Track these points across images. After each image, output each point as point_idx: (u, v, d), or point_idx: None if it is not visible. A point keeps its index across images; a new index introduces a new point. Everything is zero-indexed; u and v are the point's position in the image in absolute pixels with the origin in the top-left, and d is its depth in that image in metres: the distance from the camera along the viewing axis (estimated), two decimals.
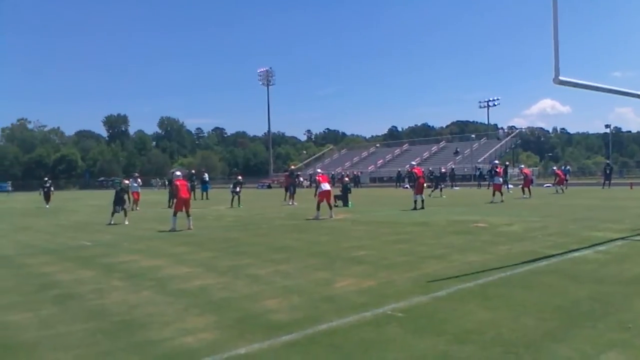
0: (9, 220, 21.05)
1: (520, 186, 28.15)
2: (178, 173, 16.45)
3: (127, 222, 17.03)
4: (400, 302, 5.90)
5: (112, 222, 17.09)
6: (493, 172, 26.89)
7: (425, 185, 21.76)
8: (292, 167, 39.16)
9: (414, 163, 24.09)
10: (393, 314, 5.45)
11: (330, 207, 17.78)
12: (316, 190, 19.01)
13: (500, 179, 24.46)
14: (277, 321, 5.33)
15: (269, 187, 61.22)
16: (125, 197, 18.44)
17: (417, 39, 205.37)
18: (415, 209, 19.10)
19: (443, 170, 45.39)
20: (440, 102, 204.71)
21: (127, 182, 20.42)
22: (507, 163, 32.38)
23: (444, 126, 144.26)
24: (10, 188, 77.02)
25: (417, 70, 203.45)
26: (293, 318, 5.43)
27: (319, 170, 21.07)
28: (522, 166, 34.15)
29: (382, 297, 6.21)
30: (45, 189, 29.58)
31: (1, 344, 4.86)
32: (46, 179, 31.73)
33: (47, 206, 28.64)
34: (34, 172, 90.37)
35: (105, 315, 5.76)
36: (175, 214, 14.62)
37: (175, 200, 15.31)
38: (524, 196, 25.62)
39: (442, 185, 32.44)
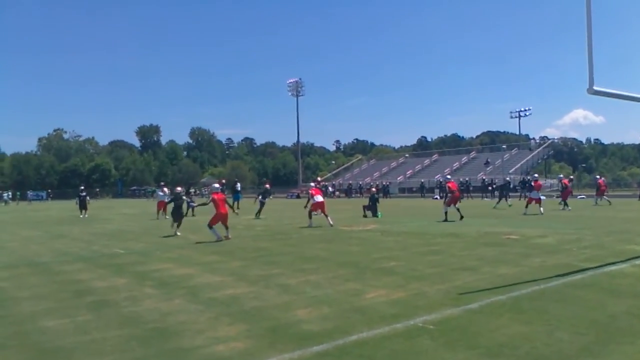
0: (45, 228, 21.58)
1: (557, 198, 27.77)
2: (216, 186, 16.34)
3: (178, 233, 16.43)
4: (431, 314, 5.85)
5: (177, 234, 16.50)
6: (529, 185, 26.63)
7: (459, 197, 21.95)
8: (319, 178, 39.31)
9: (449, 177, 23.94)
10: (424, 326, 5.40)
11: (326, 216, 18.58)
12: (307, 202, 19.20)
13: (539, 193, 23.59)
14: (308, 331, 5.34)
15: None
16: (184, 206, 17.92)
17: (447, 48, 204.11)
18: (445, 220, 18.88)
19: (507, 179, 43.87)
20: (470, 112, 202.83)
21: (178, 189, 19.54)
22: (536, 175, 31.40)
23: (474, 136, 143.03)
24: (46, 197, 79.23)
25: (447, 79, 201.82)
26: (323, 328, 5.43)
27: (312, 184, 21.68)
28: (561, 176, 32.60)
29: (413, 308, 6.17)
30: (81, 198, 29.48)
31: (39, 348, 4.99)
32: (82, 187, 31.73)
33: (83, 216, 28.28)
34: (70, 181, 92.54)
35: (139, 323, 5.86)
36: (211, 227, 14.50)
37: (214, 215, 14.70)
38: (567, 208, 25.12)
39: (508, 194, 31.39)
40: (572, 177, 37.05)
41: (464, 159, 72.98)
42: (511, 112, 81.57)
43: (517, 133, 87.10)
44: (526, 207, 23.01)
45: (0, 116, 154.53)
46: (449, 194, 20.53)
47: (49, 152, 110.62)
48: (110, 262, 10.71)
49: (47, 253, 12.56)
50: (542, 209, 22.45)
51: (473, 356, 4.49)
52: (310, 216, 18.86)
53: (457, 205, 20.16)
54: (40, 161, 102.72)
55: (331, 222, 18.21)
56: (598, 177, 34.42)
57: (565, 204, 25.77)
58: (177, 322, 5.86)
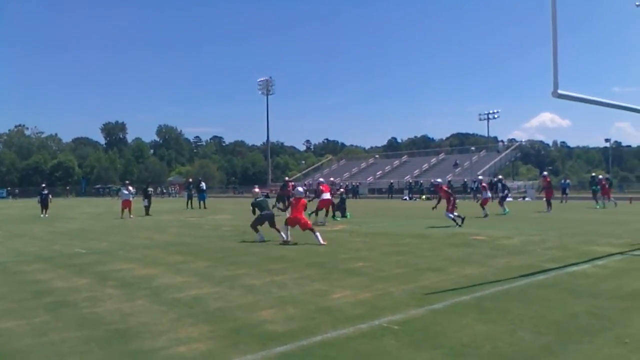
0: (4, 227, 20.95)
1: (600, 195, 28.65)
2: (300, 190, 15.54)
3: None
4: (396, 315, 5.85)
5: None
6: (479, 186, 26.36)
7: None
8: (287, 178, 39.05)
9: (439, 180, 21.98)
10: (389, 327, 5.39)
11: (326, 215, 18.44)
12: (315, 197, 19.20)
13: (488, 193, 23.72)
14: (272, 332, 5.27)
15: (267, 196, 60.95)
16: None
17: (418, 52, 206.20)
18: (460, 224, 17.24)
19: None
20: (440, 114, 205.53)
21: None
22: (500, 177, 31.34)
23: (444, 138, 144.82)
24: (6, 195, 77.10)
25: (418, 82, 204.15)
26: (288, 329, 5.37)
27: (321, 180, 20.96)
28: (545, 174, 29.62)
29: (378, 309, 6.16)
30: (43, 196, 28.59)
31: None
32: (43, 185, 30.83)
33: (44, 215, 27.43)
34: (31, 179, 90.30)
35: (99, 324, 5.70)
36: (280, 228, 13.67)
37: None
38: (609, 204, 25.67)
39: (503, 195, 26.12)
40: (605, 177, 33.76)
41: (433, 160, 73.84)
42: (480, 115, 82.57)
43: (486, 135, 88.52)
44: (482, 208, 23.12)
45: None
46: (443, 199, 18.36)
47: (9, 149, 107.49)
48: (71, 262, 10.44)
49: (5, 252, 12.18)
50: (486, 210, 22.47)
51: (437, 356, 4.50)
52: (317, 213, 18.81)
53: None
54: (0, 158, 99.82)
55: (325, 222, 18.46)
56: (600, 177, 31.96)
57: (549, 205, 25.58)
58: (138, 323, 5.72)
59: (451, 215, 17.36)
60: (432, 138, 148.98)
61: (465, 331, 5.20)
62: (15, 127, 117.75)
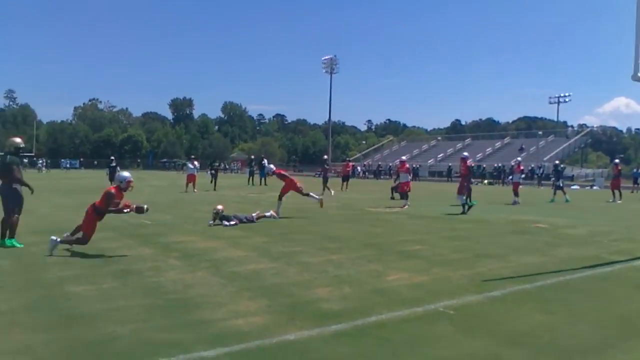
0: (77, 196, 22.05)
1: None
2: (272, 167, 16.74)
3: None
4: (452, 300, 5.81)
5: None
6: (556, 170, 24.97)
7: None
8: (347, 159, 38.98)
9: (466, 154, 19.73)
10: (445, 311, 5.37)
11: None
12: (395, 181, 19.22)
13: (521, 176, 22.42)
14: (328, 310, 5.36)
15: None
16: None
17: (486, 29, 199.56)
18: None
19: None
20: (507, 96, 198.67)
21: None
22: (557, 162, 29.56)
23: (510, 121, 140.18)
24: (79, 165, 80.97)
25: (484, 61, 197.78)
26: (343, 308, 5.45)
27: (403, 158, 19.78)
28: (617, 161, 27.82)
29: (434, 293, 6.13)
30: (111, 168, 29.28)
31: (65, 313, 5.12)
32: (112, 158, 31.62)
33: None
34: (102, 151, 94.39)
35: (162, 293, 5.97)
36: None
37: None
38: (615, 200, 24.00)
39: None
40: None
41: (498, 144, 71.88)
42: (550, 98, 79.44)
43: (555, 120, 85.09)
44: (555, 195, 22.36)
45: (38, 85, 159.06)
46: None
47: (83, 122, 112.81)
48: (137, 232, 10.92)
49: (78, 220, 12.77)
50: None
51: (493, 343, 4.45)
52: (405, 196, 18.48)
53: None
54: (74, 130, 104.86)
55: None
56: None
57: (615, 195, 24.38)
58: (199, 294, 5.95)
59: (463, 198, 16.41)
60: (498, 121, 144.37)
61: (524, 320, 5.11)
62: (89, 100, 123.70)
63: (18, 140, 9.32)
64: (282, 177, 15.52)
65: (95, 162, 79.59)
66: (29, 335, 4.47)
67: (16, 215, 8.89)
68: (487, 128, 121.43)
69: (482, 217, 15.38)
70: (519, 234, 11.73)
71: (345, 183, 30.61)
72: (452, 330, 4.77)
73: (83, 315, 5.06)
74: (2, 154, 9.25)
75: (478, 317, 5.21)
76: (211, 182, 27.76)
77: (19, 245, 8.80)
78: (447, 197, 25.72)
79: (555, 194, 23.67)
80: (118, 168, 29.96)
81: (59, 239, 8.17)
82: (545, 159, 56.81)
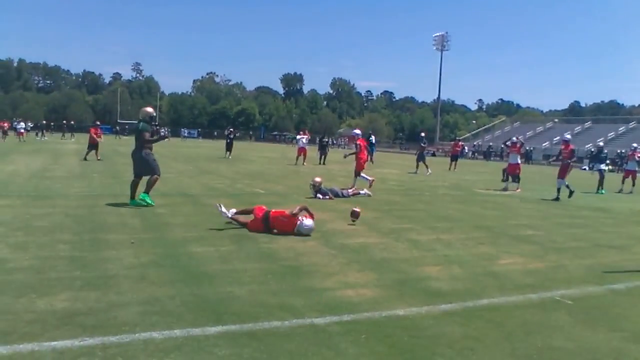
0: (196, 164, 23.38)
1: None
2: (358, 132, 16.21)
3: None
4: (570, 289, 5.53)
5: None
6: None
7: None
8: (457, 138, 37.84)
9: (515, 139, 19.26)
10: (562, 300, 5.13)
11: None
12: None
13: (518, 159, 18.55)
14: (437, 289, 5.31)
15: (434, 154, 60.25)
16: None
17: (607, 3, 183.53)
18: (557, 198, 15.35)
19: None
20: (634, 77, 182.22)
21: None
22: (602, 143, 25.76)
23: (637, 105, 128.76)
24: (197, 135, 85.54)
25: (607, 39, 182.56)
26: (453, 288, 5.37)
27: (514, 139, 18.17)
28: None
29: (551, 281, 5.87)
30: (229, 140, 29.56)
31: (187, 271, 5.48)
32: (231, 129, 31.62)
33: (228, 156, 28.62)
34: (218, 122, 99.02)
35: (275, 259, 6.21)
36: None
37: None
38: None
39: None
40: None
41: (622, 128, 66.49)
42: None
43: None
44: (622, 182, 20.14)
45: (161, 58, 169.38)
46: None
47: (201, 94, 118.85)
48: (252, 200, 11.33)
49: (197, 186, 13.64)
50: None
51: (615, 338, 4.19)
52: (517, 179, 17.70)
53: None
54: (193, 102, 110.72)
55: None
56: None
57: None
58: (310, 262, 6.12)
59: (563, 182, 15.06)
60: (622, 104, 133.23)
61: None
62: (207, 74, 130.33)
63: (150, 109, 10.13)
64: (358, 149, 14.98)
65: (215, 133, 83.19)
66: (156, 288, 4.84)
67: (156, 176, 9.76)
68: (610, 111, 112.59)
69: (602, 205, 14.40)
70: None
71: (454, 163, 29.83)
72: (570, 321, 4.55)
73: (204, 274, 5.39)
74: (137, 121, 10.07)
75: (599, 310, 4.92)
76: (320, 157, 28.15)
77: (150, 202, 9.56)
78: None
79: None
80: (232, 139, 30.57)
81: (229, 214, 8.16)
82: None
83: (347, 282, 5.39)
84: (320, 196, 12.16)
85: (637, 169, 20.32)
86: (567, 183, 15.03)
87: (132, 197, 9.66)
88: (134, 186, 9.69)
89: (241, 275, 5.43)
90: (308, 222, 7.64)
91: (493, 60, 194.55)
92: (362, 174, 14.73)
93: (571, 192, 14.98)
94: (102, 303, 4.35)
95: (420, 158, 25.12)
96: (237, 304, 4.52)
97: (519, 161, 18.12)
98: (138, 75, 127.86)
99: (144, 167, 9.68)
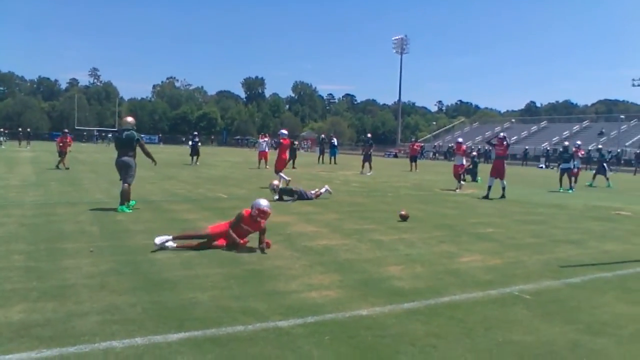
0: (157, 169, 22.94)
1: None
2: (284, 132, 16.75)
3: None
4: (528, 284, 5.67)
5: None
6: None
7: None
8: (413, 139, 38.29)
9: (460, 140, 19.01)
10: (520, 295, 5.25)
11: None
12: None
13: (463, 160, 18.20)
14: (400, 288, 5.37)
15: (395, 156, 60.97)
16: None
17: (562, 6, 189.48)
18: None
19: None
20: (586, 78, 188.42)
21: None
22: (567, 143, 26.88)
23: (589, 104, 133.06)
24: (158, 141, 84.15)
25: (561, 41, 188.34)
26: (415, 287, 5.44)
27: (460, 140, 17.88)
28: None
29: (509, 277, 6.01)
30: (193, 144, 28.31)
31: (148, 278, 5.40)
32: (195, 133, 30.17)
33: (195, 163, 27.12)
34: (179, 127, 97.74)
35: (238, 263, 6.17)
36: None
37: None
38: None
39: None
40: None
41: (576, 127, 68.55)
42: (633, 80, 74.54)
43: (639, 103, 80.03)
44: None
45: (120, 64, 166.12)
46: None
47: (162, 99, 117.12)
48: (214, 205, 11.28)
49: (158, 192, 13.43)
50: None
51: (571, 331, 4.32)
52: (459, 178, 17.57)
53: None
54: (154, 107, 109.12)
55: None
56: None
57: None
58: (273, 266, 6.10)
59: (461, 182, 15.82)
60: (576, 104, 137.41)
61: (605, 309, 4.92)
62: (167, 79, 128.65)
63: (132, 119, 10.72)
64: (281, 148, 15.80)
65: (184, 139, 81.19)
66: (116, 297, 4.74)
67: (127, 185, 10.10)
68: (565, 111, 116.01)
69: (558, 202, 14.81)
70: (599, 220, 11.23)
71: (414, 164, 30.20)
72: (528, 315, 4.67)
73: (166, 281, 5.32)
74: (124, 129, 10.35)
75: (556, 304, 5.06)
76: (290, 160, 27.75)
77: (129, 210, 9.93)
78: (521, 180, 24.92)
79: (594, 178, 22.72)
80: (199, 144, 29.62)
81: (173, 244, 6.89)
82: (627, 144, 53.75)
83: (310, 284, 5.40)
84: (287, 198, 12.18)
85: (580, 166, 20.96)
86: (504, 184, 15.17)
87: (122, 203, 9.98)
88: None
89: (203, 280, 5.38)
90: (262, 201, 7.30)
91: (451, 63, 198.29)
92: (281, 173, 15.25)
93: (488, 192, 15.07)
94: (60, 313, 4.25)
95: (367, 158, 25.54)
96: (199, 310, 4.47)
97: (464, 162, 18.20)
98: (96, 80, 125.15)
99: (129, 171, 10.06)
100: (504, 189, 15.17)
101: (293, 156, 28.27)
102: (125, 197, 10.00)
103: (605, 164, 23.77)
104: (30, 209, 9.87)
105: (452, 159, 19.63)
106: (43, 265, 5.75)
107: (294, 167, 26.79)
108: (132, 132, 10.26)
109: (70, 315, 4.21)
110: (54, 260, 5.97)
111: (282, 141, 15.91)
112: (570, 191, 18.39)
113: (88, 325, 4.01)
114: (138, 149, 10.26)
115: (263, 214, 7.00)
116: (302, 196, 12.54)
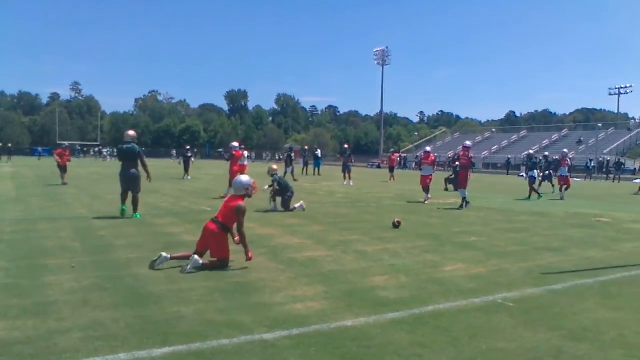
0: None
1: None
2: (235, 144, 17.20)
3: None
4: (511, 292, 5.72)
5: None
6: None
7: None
8: (392, 150, 38.50)
9: (429, 149, 18.66)
10: (503, 303, 5.30)
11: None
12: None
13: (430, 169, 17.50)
14: (384, 298, 5.39)
15: (379, 167, 61.22)
16: None
17: (541, 18, 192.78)
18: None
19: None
20: (564, 88, 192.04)
21: None
22: (547, 154, 27.43)
23: (567, 113, 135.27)
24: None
25: (540, 52, 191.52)
26: (400, 297, 5.46)
27: (427, 149, 17.25)
28: None
29: (493, 285, 6.06)
30: (186, 158, 27.81)
31: (132, 292, 5.35)
32: (188, 147, 29.44)
33: (188, 177, 26.67)
34: (162, 141, 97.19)
35: (223, 276, 6.14)
36: None
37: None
38: None
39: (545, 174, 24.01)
40: None
41: (555, 136, 69.58)
42: (610, 89, 76.33)
43: (616, 112, 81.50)
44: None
45: (102, 78, 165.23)
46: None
47: (144, 113, 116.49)
48: (198, 218, 11.17)
49: (141, 207, 13.27)
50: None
51: (555, 337, 4.36)
52: (426, 190, 16.89)
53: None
54: (136, 121, 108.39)
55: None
56: None
57: None
58: (258, 278, 6.09)
59: (465, 192, 14.98)
60: (554, 113, 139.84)
61: (587, 315, 4.98)
62: (150, 92, 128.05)
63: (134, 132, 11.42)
64: (234, 161, 16.10)
65: (174, 152, 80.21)
66: (99, 312, 4.69)
67: (137, 194, 11.22)
68: (543, 120, 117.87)
69: (540, 210, 14.98)
70: (580, 227, 11.38)
71: (391, 174, 30.37)
72: (512, 323, 4.71)
73: (150, 295, 5.27)
74: (126, 143, 11.06)
75: (539, 311, 5.11)
76: (287, 171, 27.25)
77: (139, 216, 11.06)
78: (503, 189, 25.19)
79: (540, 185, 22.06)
80: (192, 159, 29.01)
81: (169, 256, 6.60)
82: (605, 151, 54.61)
83: (295, 296, 5.39)
84: (275, 185, 13.00)
85: (568, 175, 20.95)
86: (466, 194, 14.98)
87: (123, 201, 11.11)
88: (125, 195, 11.12)
89: (188, 294, 5.34)
90: (244, 178, 7.16)
91: (432, 74, 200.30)
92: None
93: (467, 203, 14.90)
94: (42, 330, 4.19)
95: (345, 168, 25.66)
96: (184, 324, 4.44)
97: (432, 173, 17.35)
98: (77, 95, 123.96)
99: (136, 183, 11.08)
100: (464, 199, 14.91)
101: (291, 166, 27.88)
102: (137, 205, 11.10)
103: (550, 171, 24.11)
104: (10, 225, 9.73)
105: (420, 169, 18.72)
106: (23, 282, 5.67)
107: (295, 180, 26.34)
108: (133, 146, 10.93)
109: (52, 332, 4.16)
110: (35, 277, 5.89)
111: (234, 153, 16.19)
112: (540, 198, 18.61)
113: (70, 341, 3.96)
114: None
115: (253, 188, 7.16)
116: (285, 202, 12.93)
